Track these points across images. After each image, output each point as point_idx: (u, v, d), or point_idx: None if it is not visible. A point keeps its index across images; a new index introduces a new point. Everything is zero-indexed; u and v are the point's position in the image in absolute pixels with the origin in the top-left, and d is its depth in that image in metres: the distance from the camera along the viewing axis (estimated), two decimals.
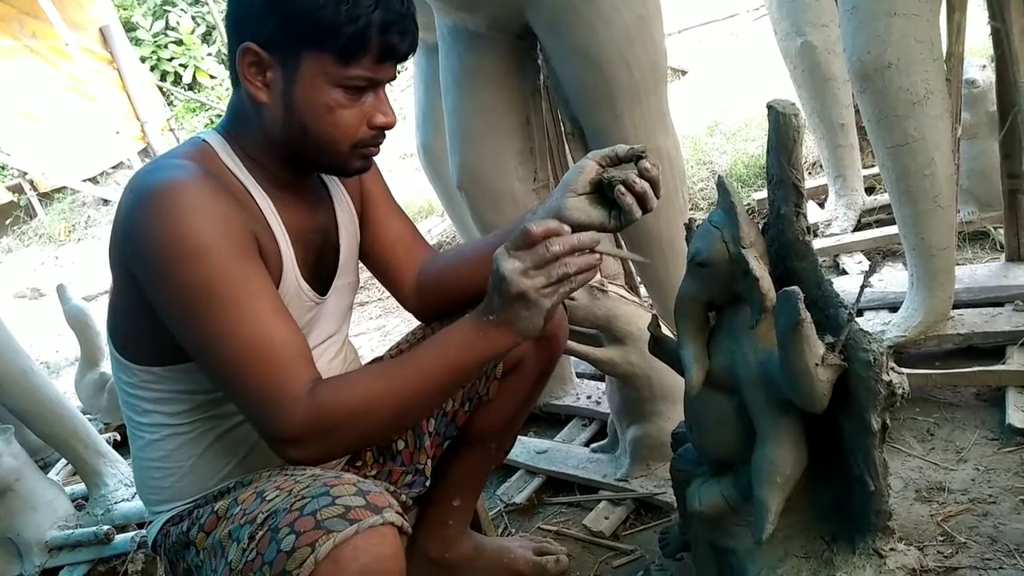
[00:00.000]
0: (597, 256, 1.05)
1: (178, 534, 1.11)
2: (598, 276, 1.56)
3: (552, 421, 2.15)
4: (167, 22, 9.39)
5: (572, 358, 2.10)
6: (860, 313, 2.00)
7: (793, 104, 0.99)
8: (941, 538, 1.34)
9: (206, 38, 9.72)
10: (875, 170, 2.70)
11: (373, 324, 3.50)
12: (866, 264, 2.45)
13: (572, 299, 1.54)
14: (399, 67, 1.15)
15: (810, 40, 2.54)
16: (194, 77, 9.36)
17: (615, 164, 1.17)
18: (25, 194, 7.73)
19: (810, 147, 3.06)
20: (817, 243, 2.53)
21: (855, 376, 0.97)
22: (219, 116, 8.54)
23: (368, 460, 1.36)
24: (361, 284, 1.39)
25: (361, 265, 1.35)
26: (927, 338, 1.83)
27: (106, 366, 2.78)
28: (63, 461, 2.50)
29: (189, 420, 1.14)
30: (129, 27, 8.91)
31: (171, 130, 8.44)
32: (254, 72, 1.07)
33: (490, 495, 1.86)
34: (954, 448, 1.57)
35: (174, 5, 9.54)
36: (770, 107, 0.99)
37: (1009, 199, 1.96)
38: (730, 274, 1.02)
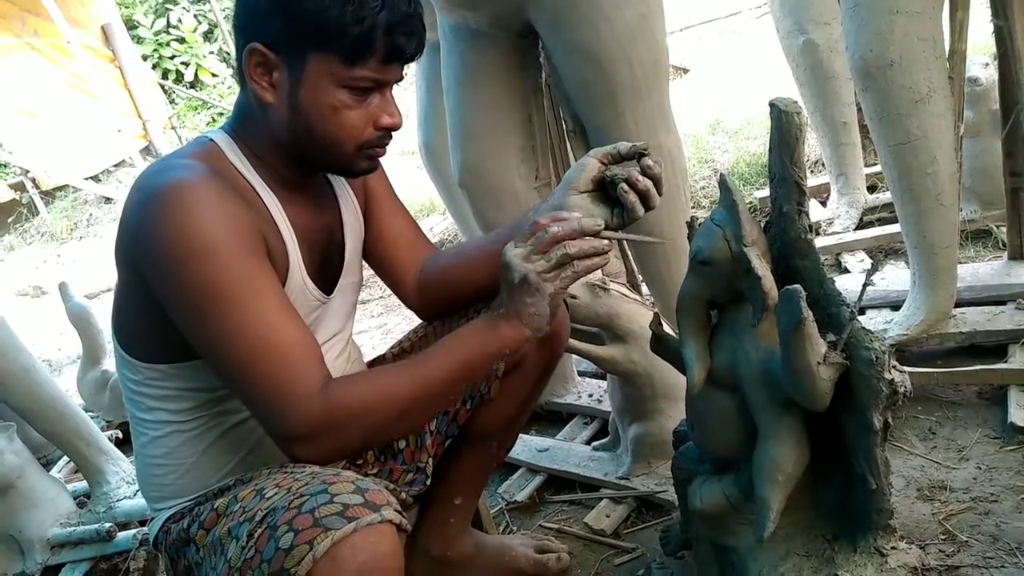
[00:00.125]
0: (602, 242, 1.06)
1: (179, 531, 1.11)
2: (599, 274, 1.56)
3: (553, 419, 2.15)
4: (168, 20, 9.39)
5: (574, 356, 2.10)
6: (862, 311, 2.00)
7: (795, 102, 0.99)
8: (943, 537, 1.34)
9: (208, 36, 9.71)
10: (877, 168, 2.70)
11: (375, 322, 3.50)
12: (868, 262, 2.45)
13: (574, 297, 1.54)
14: (405, 67, 1.15)
15: (812, 38, 2.54)
16: (196, 75, 9.35)
17: (617, 161, 1.17)
18: (27, 192, 7.74)
19: (812, 145, 3.06)
20: (819, 241, 2.53)
21: (857, 374, 0.97)
22: (221, 114, 8.59)
23: (369, 458, 1.37)
24: (363, 282, 1.39)
25: (363, 263, 1.36)
26: (929, 336, 1.83)
27: (108, 364, 2.79)
28: (65, 459, 2.50)
29: (193, 417, 1.14)
30: (130, 25, 8.91)
31: (173, 128, 8.45)
32: (260, 72, 1.07)
33: (491, 493, 1.86)
34: (956, 447, 1.56)
35: (176, 3, 9.53)
36: (772, 105, 0.99)
37: (1011, 197, 1.96)
38: (732, 272, 1.02)
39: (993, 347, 1.78)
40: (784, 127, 0.99)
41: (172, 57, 9.30)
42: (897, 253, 2.47)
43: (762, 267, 0.98)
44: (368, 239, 1.33)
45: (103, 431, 2.32)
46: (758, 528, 1.04)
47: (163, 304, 1.03)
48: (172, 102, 9.00)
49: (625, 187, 1.12)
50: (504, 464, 1.82)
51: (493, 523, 1.68)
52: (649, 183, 1.12)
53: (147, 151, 8.16)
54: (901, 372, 0.97)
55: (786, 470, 1.02)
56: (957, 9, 1.79)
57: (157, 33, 9.30)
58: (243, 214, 1.04)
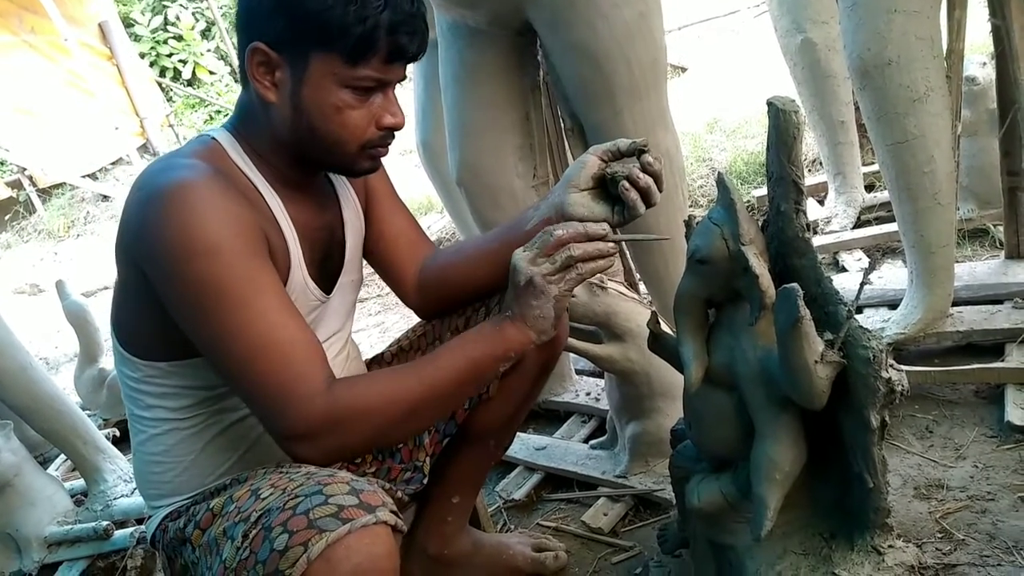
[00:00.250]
0: (607, 245, 1.06)
1: (175, 530, 1.11)
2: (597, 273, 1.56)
3: (551, 418, 2.15)
4: (166, 18, 9.37)
5: (571, 354, 2.10)
6: (859, 310, 2.00)
7: (793, 101, 0.99)
8: (940, 535, 1.34)
9: (206, 33, 9.70)
10: (875, 167, 2.70)
11: (372, 321, 3.50)
12: (866, 261, 2.45)
13: (572, 296, 1.54)
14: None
15: (810, 37, 2.54)
16: (193, 73, 9.34)
17: (617, 158, 1.17)
18: (24, 190, 7.72)
19: (810, 144, 3.06)
20: (817, 240, 2.53)
21: (854, 373, 0.97)
22: (219, 112, 8.58)
23: (367, 457, 1.37)
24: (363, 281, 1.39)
25: (363, 262, 1.36)
26: (926, 335, 1.83)
27: (105, 362, 2.78)
28: (62, 457, 2.50)
29: (192, 415, 1.14)
30: (127, 22, 8.89)
31: (170, 126, 8.44)
32: (263, 72, 1.07)
33: (489, 491, 1.86)
34: (953, 445, 1.57)
35: (173, 0, 9.52)
36: (770, 104, 0.99)
37: (1009, 196, 1.96)
38: (730, 271, 1.02)
39: (990, 346, 1.79)
40: (782, 126, 0.99)
41: (170, 55, 9.28)
42: (894, 252, 2.47)
43: (760, 266, 0.98)
44: (368, 237, 1.33)
45: (100, 429, 2.31)
46: (755, 526, 1.04)
47: (165, 303, 1.03)
48: (170, 100, 8.98)
49: (626, 184, 1.12)
50: (502, 462, 1.82)
51: (491, 521, 1.68)
52: (650, 180, 1.12)
53: (145, 149, 8.14)
54: (898, 371, 0.97)
55: (783, 469, 1.03)
56: (955, 8, 1.79)
57: (154, 31, 9.28)
58: (246, 213, 1.04)
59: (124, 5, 9.16)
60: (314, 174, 1.21)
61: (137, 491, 2.03)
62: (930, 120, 1.66)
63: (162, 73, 9.17)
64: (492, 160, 1.78)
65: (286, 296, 1.05)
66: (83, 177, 7.65)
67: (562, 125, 1.81)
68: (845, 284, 2.03)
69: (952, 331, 1.82)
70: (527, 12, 1.59)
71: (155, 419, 1.15)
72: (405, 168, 5.18)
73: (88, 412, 2.63)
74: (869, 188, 2.81)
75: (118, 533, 1.95)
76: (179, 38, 9.32)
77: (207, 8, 9.21)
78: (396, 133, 1.14)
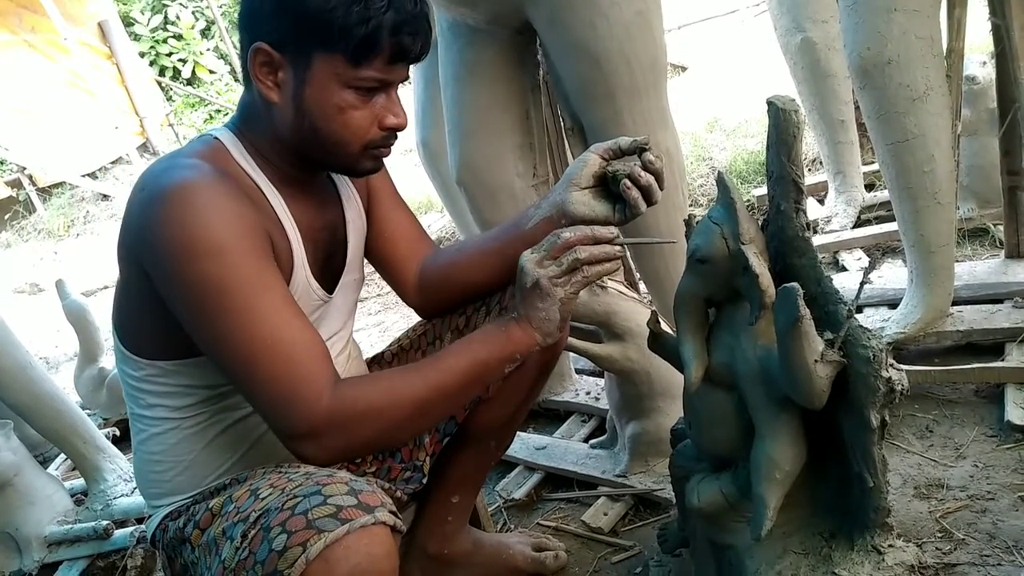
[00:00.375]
0: (614, 248, 1.07)
1: (175, 530, 1.11)
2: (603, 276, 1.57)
3: (551, 417, 2.15)
4: (166, 16, 9.37)
5: (571, 354, 2.10)
6: (859, 310, 2.00)
7: (793, 100, 0.99)
8: (940, 534, 1.34)
9: (205, 33, 9.70)
10: (875, 166, 2.69)
11: (372, 320, 3.50)
12: (866, 261, 2.45)
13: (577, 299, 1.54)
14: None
15: (810, 36, 2.54)
16: (193, 72, 9.34)
17: (618, 157, 1.17)
18: (24, 189, 7.72)
19: (810, 143, 3.06)
20: (817, 239, 2.53)
21: (854, 372, 0.97)
22: (218, 111, 8.58)
23: (367, 457, 1.36)
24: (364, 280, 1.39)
25: (364, 261, 1.36)
26: (926, 335, 1.83)
27: (105, 361, 2.78)
28: (62, 456, 2.50)
29: (193, 414, 1.14)
30: (127, 22, 8.89)
31: (170, 125, 8.44)
32: (265, 72, 1.07)
33: (489, 491, 1.86)
34: (953, 445, 1.57)
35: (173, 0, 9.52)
36: (770, 103, 0.99)
37: (1009, 196, 1.96)
38: (729, 270, 1.02)
39: (990, 345, 1.79)
40: (782, 125, 0.99)
41: (169, 54, 9.28)
42: (894, 251, 2.47)
43: (760, 265, 0.98)
44: (370, 236, 1.33)
45: (100, 428, 2.31)
46: (755, 526, 1.04)
47: (168, 303, 1.03)
48: (169, 99, 8.99)
49: (627, 183, 1.12)
50: (502, 462, 1.82)
51: (491, 521, 1.68)
52: (651, 179, 1.12)
53: (144, 148, 8.15)
54: (898, 370, 0.97)
55: (783, 468, 1.02)
56: (955, 7, 1.79)
57: (154, 30, 9.28)
58: (249, 214, 1.04)
59: (124, 4, 9.17)
60: (316, 174, 1.21)
61: (137, 491, 2.03)
62: (930, 119, 1.66)
63: (162, 72, 9.17)
64: (492, 159, 1.78)
65: (290, 296, 1.05)
66: (83, 176, 7.66)
67: (562, 124, 1.80)
68: (845, 283, 2.04)
69: (952, 330, 1.82)
70: (527, 11, 1.58)
71: (156, 418, 1.15)
72: (405, 167, 5.18)
73: (88, 411, 2.64)
74: (869, 187, 2.81)
75: (118, 533, 1.95)
76: (179, 37, 9.32)
77: (207, 7, 9.20)
78: (398, 133, 1.14)
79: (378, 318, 3.51)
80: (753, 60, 5.21)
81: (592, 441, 1.91)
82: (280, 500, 0.93)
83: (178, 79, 9.22)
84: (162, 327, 1.07)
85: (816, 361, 0.94)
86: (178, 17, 9.36)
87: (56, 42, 7.44)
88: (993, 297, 1.89)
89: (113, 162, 7.97)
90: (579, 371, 2.24)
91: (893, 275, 2.11)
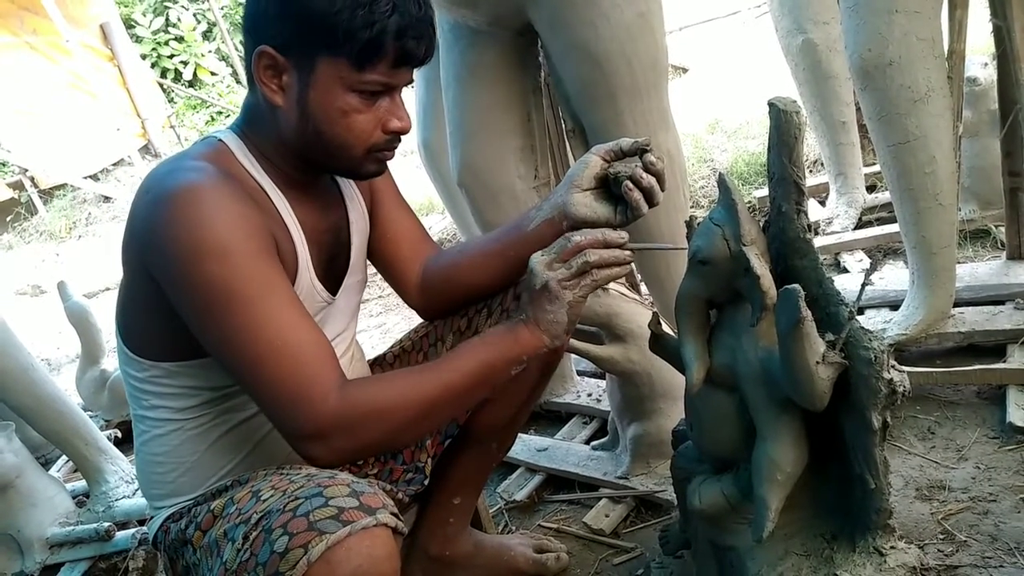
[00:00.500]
0: (624, 253, 1.07)
1: (177, 531, 1.11)
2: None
3: (553, 419, 2.15)
4: (167, 19, 9.39)
5: (573, 355, 2.10)
6: (861, 311, 2.00)
7: (794, 102, 0.99)
8: (941, 536, 1.34)
9: (207, 35, 9.72)
10: (876, 168, 2.70)
11: (373, 322, 3.50)
12: (867, 262, 2.45)
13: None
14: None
15: (811, 38, 2.54)
16: (195, 74, 9.36)
17: (619, 158, 1.17)
18: (26, 191, 7.73)
19: (811, 145, 3.06)
20: (818, 241, 2.53)
21: (856, 374, 0.97)
22: (220, 113, 8.59)
23: (369, 459, 1.36)
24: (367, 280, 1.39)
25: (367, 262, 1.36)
26: (928, 336, 1.83)
27: (107, 363, 2.78)
28: (64, 458, 2.50)
29: (196, 415, 1.14)
30: (129, 24, 8.91)
31: (172, 127, 8.45)
32: (270, 75, 1.07)
33: (490, 492, 1.86)
34: (955, 446, 1.57)
35: (175, 2, 9.53)
36: (771, 104, 0.99)
37: (1010, 197, 1.96)
38: (731, 272, 1.02)
39: (992, 347, 1.79)
40: (783, 126, 0.99)
41: (171, 56, 9.30)
42: (896, 253, 2.47)
43: (761, 266, 0.98)
44: (372, 237, 1.34)
45: (102, 430, 2.32)
46: (757, 528, 1.04)
47: (174, 305, 1.03)
48: (171, 101, 9.00)
49: (629, 184, 1.12)
50: (503, 464, 1.82)
51: (492, 522, 1.68)
52: (653, 180, 1.12)
53: (146, 150, 8.16)
54: (900, 372, 0.97)
55: (785, 470, 1.02)
56: (956, 8, 1.79)
57: (156, 32, 9.30)
58: (254, 216, 1.04)
59: (125, 6, 9.18)
60: (320, 176, 1.21)
61: (139, 492, 2.04)
62: (931, 121, 1.66)
63: (163, 74, 9.19)
64: (493, 161, 1.79)
65: (296, 297, 1.05)
66: (85, 178, 7.67)
67: (563, 126, 1.80)
68: (846, 285, 2.03)
69: (954, 332, 1.82)
70: (528, 13, 1.59)
71: (159, 419, 1.15)
72: (406, 169, 5.19)
73: (90, 413, 2.64)
74: (870, 189, 2.81)
75: (120, 534, 1.95)
76: (180, 39, 9.33)
77: (208, 9, 9.22)
78: (402, 137, 1.14)
79: (379, 320, 3.51)
80: (754, 62, 5.21)
81: (593, 443, 1.91)
82: (282, 502, 0.93)
83: (179, 81, 9.24)
84: (166, 329, 1.07)
85: (818, 363, 0.94)
86: (179, 19, 9.38)
87: (58, 44, 7.45)
88: (995, 299, 1.89)
89: (115, 164, 7.98)
90: (580, 373, 2.24)
91: (894, 276, 2.11)
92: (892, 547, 1.09)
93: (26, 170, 7.70)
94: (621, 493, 1.70)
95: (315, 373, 1.00)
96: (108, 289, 5.18)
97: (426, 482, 1.36)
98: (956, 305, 1.86)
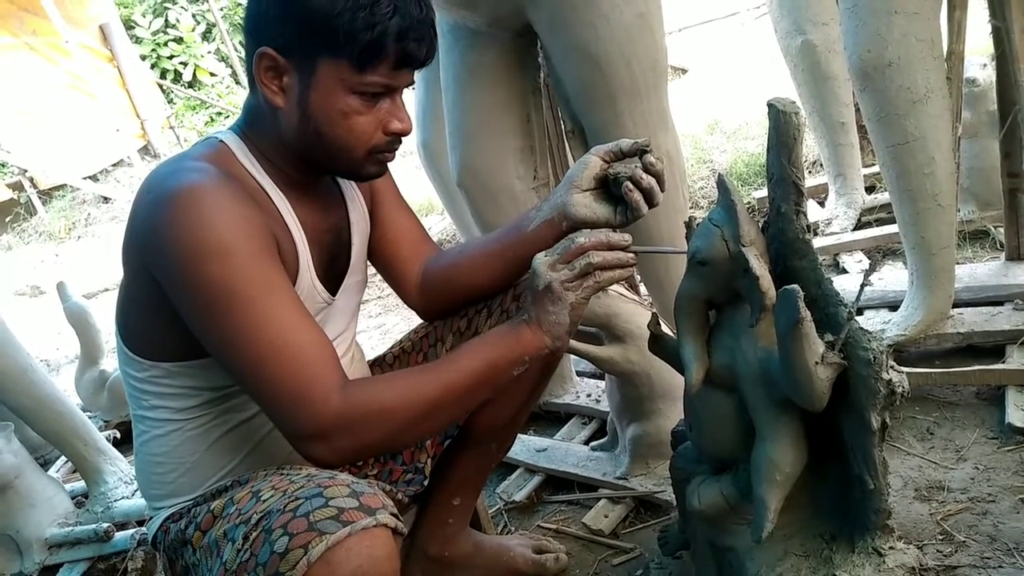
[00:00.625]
0: (628, 255, 1.08)
1: (176, 532, 1.11)
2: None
3: (552, 419, 2.15)
4: (167, 20, 9.39)
5: (572, 356, 2.10)
6: (860, 312, 2.00)
7: (793, 102, 0.99)
8: (940, 537, 1.34)
9: (206, 36, 9.72)
10: (875, 169, 2.70)
11: (373, 322, 3.50)
12: (866, 263, 2.45)
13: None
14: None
15: (810, 38, 2.54)
16: (194, 75, 9.36)
17: (619, 159, 1.17)
18: (25, 191, 7.73)
19: (810, 145, 3.06)
20: (817, 242, 2.53)
21: (855, 374, 0.97)
22: (219, 113, 8.59)
23: (369, 459, 1.37)
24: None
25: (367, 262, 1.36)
26: (927, 337, 1.83)
27: (106, 364, 2.78)
28: (63, 458, 2.50)
29: (196, 416, 1.14)
30: (128, 25, 8.91)
31: (171, 128, 8.45)
32: (271, 76, 1.07)
33: (490, 493, 1.86)
34: (954, 447, 1.57)
35: (174, 3, 9.54)
36: (770, 105, 0.99)
37: (1009, 198, 1.96)
38: (730, 272, 1.02)
39: (991, 347, 1.79)
40: (782, 127, 0.99)
41: (170, 57, 9.31)
42: (895, 253, 2.47)
43: (760, 267, 0.98)
44: (373, 238, 1.34)
45: (101, 431, 2.31)
46: (756, 528, 1.04)
47: (175, 305, 1.03)
48: (170, 102, 9.00)
49: (630, 186, 1.12)
50: (502, 464, 1.82)
51: (491, 523, 1.68)
52: (652, 181, 1.12)
53: (145, 151, 8.16)
54: (899, 372, 0.97)
55: (784, 470, 1.02)
56: (955, 9, 1.79)
57: (155, 33, 9.31)
58: (255, 216, 1.04)
59: (125, 7, 9.18)
60: (321, 177, 1.21)
61: (138, 493, 2.03)
62: (930, 122, 1.66)
63: (163, 75, 9.19)
64: (493, 162, 1.79)
65: (297, 297, 1.05)
66: (84, 179, 7.67)
67: (563, 127, 1.81)
68: (846, 286, 2.04)
69: (953, 333, 1.82)
70: (527, 13, 1.59)
71: (159, 419, 1.15)
72: (406, 169, 5.19)
73: (89, 414, 2.64)
74: (870, 190, 2.81)
75: (119, 535, 1.95)
76: (179, 40, 9.34)
77: (207, 10, 9.23)
78: (402, 138, 1.14)
79: (379, 320, 3.51)
80: (753, 63, 5.22)
81: (593, 443, 1.91)
82: (282, 502, 0.93)
83: (179, 82, 9.24)
84: (166, 329, 1.07)
85: (817, 363, 0.94)
86: (178, 20, 9.38)
87: (57, 45, 7.45)
88: (993, 299, 1.89)
89: (114, 164, 7.98)
90: (580, 373, 2.24)
91: (893, 277, 2.11)
92: (891, 547, 1.09)
93: (25, 171, 7.70)
94: (620, 494, 1.70)
95: (317, 373, 1.00)
96: (107, 290, 5.18)
97: (425, 483, 1.37)
98: (955, 306, 1.86)
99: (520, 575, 1.51)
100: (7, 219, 7.67)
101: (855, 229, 2.66)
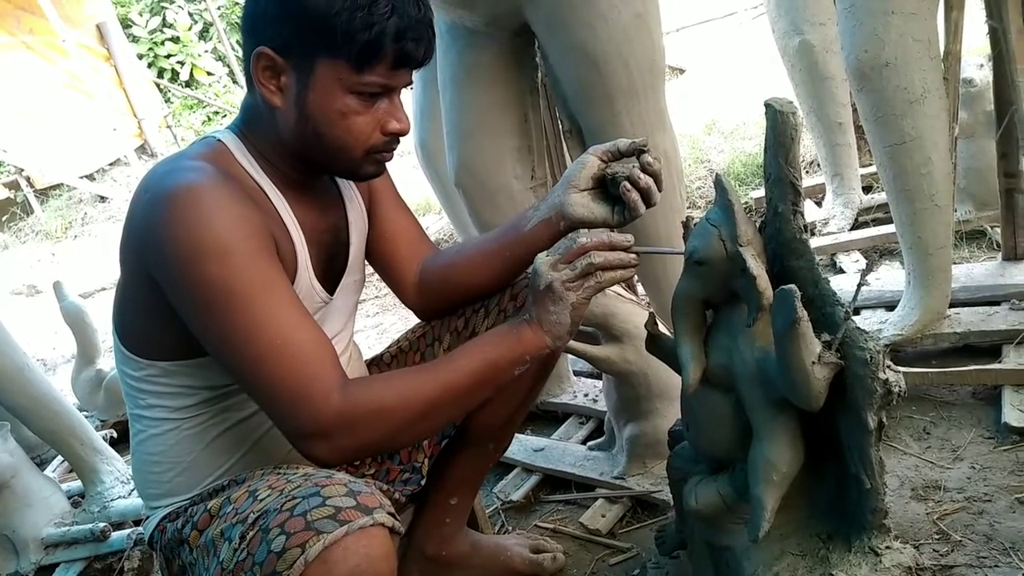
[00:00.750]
0: (629, 256, 1.08)
1: (173, 531, 1.11)
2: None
3: (549, 419, 2.15)
4: (164, 19, 9.38)
5: (569, 356, 2.10)
6: (857, 311, 2.00)
7: (791, 102, 0.99)
8: (937, 536, 1.34)
9: (203, 35, 9.71)
10: (872, 169, 2.70)
11: (370, 322, 3.49)
12: (863, 263, 2.45)
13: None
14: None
15: (808, 39, 2.55)
16: (191, 74, 9.35)
17: (616, 158, 1.17)
18: (22, 191, 7.72)
19: (807, 146, 3.07)
20: (814, 241, 2.54)
21: (852, 374, 0.97)
22: (216, 112, 8.58)
23: (367, 459, 1.36)
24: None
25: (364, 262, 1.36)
26: (924, 336, 1.83)
27: (102, 363, 2.78)
28: (59, 458, 2.50)
29: (193, 415, 1.14)
30: (125, 24, 8.89)
31: (168, 127, 8.44)
32: (268, 76, 1.07)
33: (487, 493, 1.86)
34: (950, 446, 1.57)
35: (171, 1, 9.52)
36: (768, 105, 0.99)
37: (1006, 198, 1.97)
38: (727, 272, 1.02)
39: (987, 347, 1.79)
40: (780, 127, 0.99)
41: (167, 56, 9.29)
42: (892, 253, 2.47)
43: (757, 267, 0.98)
44: (371, 237, 1.34)
45: (97, 430, 2.31)
46: (753, 528, 1.04)
47: (174, 305, 1.03)
48: (167, 101, 8.99)
49: (628, 185, 1.12)
50: (500, 464, 1.82)
51: (489, 523, 1.68)
52: (650, 181, 1.12)
53: (142, 150, 8.15)
54: (896, 372, 0.97)
55: (781, 470, 1.03)
56: (952, 10, 1.79)
57: (152, 32, 9.29)
58: (253, 215, 1.04)
59: (122, 6, 9.17)
60: (319, 176, 1.21)
61: (134, 492, 2.03)
62: (927, 122, 1.66)
63: (160, 74, 9.18)
64: (490, 161, 1.79)
65: (296, 297, 1.05)
66: (81, 178, 7.66)
67: (560, 127, 1.81)
68: (843, 285, 2.04)
69: (949, 332, 1.82)
70: (525, 13, 1.59)
71: (155, 418, 1.15)
72: (403, 169, 5.19)
73: (86, 413, 2.63)
74: (867, 190, 2.81)
75: (115, 535, 1.95)
76: (176, 39, 9.32)
77: (204, 10, 9.21)
78: (400, 138, 1.14)
79: (376, 320, 3.50)
80: (751, 63, 5.22)
81: (590, 443, 1.91)
82: (279, 501, 0.93)
83: (176, 81, 9.23)
84: (163, 328, 1.07)
85: (813, 363, 0.95)
86: (175, 19, 9.37)
87: (54, 44, 7.43)
88: (990, 299, 1.90)
89: (111, 164, 7.97)
90: (577, 373, 2.24)
91: (890, 277, 2.12)
92: (888, 547, 1.09)
93: (22, 170, 7.69)
94: (617, 493, 1.70)
95: (316, 372, 1.00)
96: (104, 289, 5.17)
97: (423, 482, 1.36)
98: (952, 306, 1.86)
99: (517, 574, 1.51)
100: (3, 218, 7.66)
101: (852, 229, 2.67)
